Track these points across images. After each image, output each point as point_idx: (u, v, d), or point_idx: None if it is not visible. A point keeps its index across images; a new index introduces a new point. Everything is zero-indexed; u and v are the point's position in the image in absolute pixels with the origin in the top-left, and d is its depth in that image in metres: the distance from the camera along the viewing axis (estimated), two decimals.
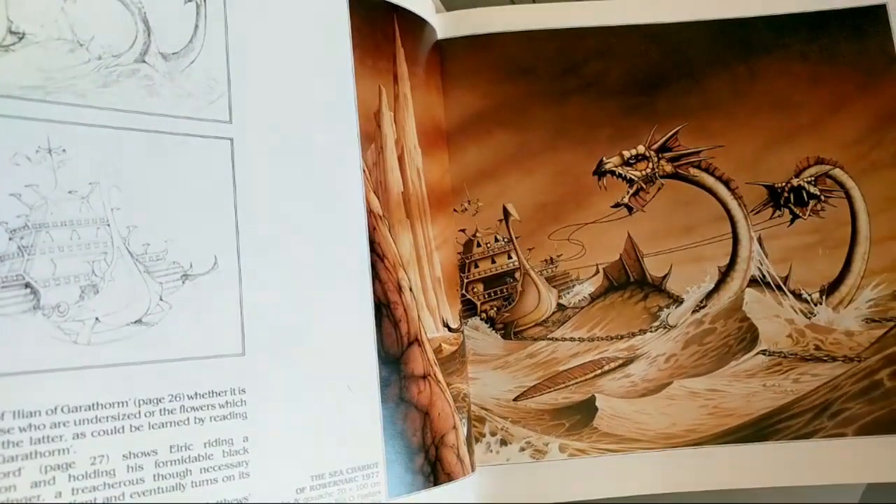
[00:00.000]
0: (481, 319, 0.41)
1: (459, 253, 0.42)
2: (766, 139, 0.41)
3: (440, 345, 0.38)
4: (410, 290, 0.37)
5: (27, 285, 0.26)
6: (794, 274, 0.40)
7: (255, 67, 0.33)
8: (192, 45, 0.31)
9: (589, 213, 0.41)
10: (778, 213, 0.41)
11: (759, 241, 0.41)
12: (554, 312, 0.41)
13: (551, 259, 0.41)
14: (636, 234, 0.41)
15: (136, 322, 0.28)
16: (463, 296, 0.41)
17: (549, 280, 0.41)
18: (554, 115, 0.41)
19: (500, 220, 0.42)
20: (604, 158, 0.41)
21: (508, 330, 0.41)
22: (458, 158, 0.41)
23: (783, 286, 0.40)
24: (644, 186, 0.41)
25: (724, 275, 0.41)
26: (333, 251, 0.34)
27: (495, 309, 0.42)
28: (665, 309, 0.41)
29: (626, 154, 0.41)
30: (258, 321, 0.31)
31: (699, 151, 0.41)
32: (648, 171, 0.41)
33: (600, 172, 0.41)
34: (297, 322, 0.32)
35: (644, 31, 0.42)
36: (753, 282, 0.41)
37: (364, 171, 0.36)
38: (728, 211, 0.41)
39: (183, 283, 0.29)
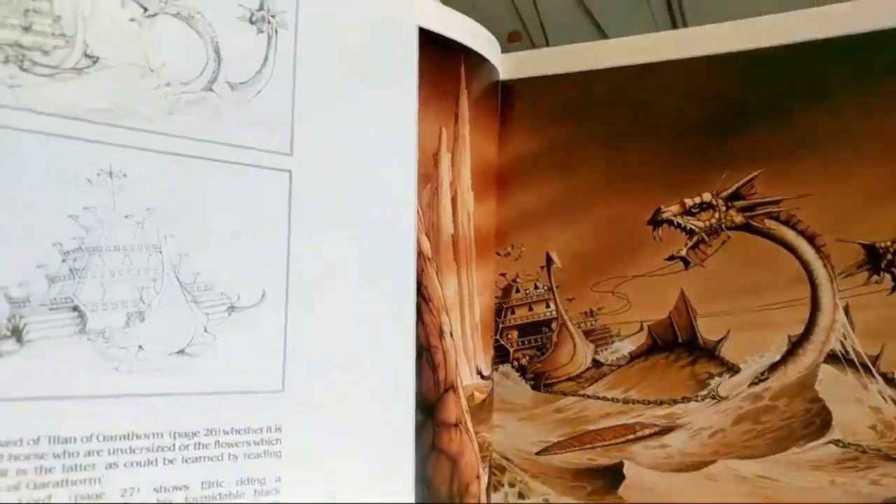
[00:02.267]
0: (512, 367, 0.41)
1: (497, 297, 0.41)
2: (871, 189, 0.35)
3: (472, 392, 0.38)
4: (451, 335, 0.37)
5: (75, 308, 0.26)
6: (889, 354, 0.34)
7: (321, 101, 0.33)
8: (260, 75, 0.32)
9: (639, 266, 0.38)
10: (876, 278, 0.35)
11: (846, 310, 0.35)
12: (588, 368, 0.40)
13: (591, 311, 0.40)
14: (691, 290, 0.37)
15: (178, 352, 0.28)
16: (496, 341, 0.41)
17: (586, 333, 0.40)
18: (610, 160, 0.39)
19: (542, 267, 0.41)
20: (662, 207, 0.38)
21: (539, 381, 0.41)
22: (505, 201, 0.41)
23: (871, 367, 0.35)
24: (706, 238, 0.38)
25: (795, 346, 0.36)
26: (381, 291, 0.34)
27: (528, 358, 0.41)
28: (716, 377, 0.37)
29: (689, 202, 0.38)
30: (300, 358, 0.31)
31: (779, 201, 0.37)
32: (713, 221, 0.37)
33: (656, 222, 0.38)
34: (338, 361, 0.32)
35: (717, 63, 0.38)
36: (832, 357, 0.35)
37: (418, 211, 0.36)
38: (809, 272, 0.36)
39: (229, 315, 0.29)
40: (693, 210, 0.38)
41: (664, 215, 0.38)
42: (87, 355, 0.26)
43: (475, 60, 0.40)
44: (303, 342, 0.31)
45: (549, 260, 0.41)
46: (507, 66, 0.42)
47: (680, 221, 0.38)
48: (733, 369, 0.37)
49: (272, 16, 0.32)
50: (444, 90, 0.38)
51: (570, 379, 0.40)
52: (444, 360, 0.36)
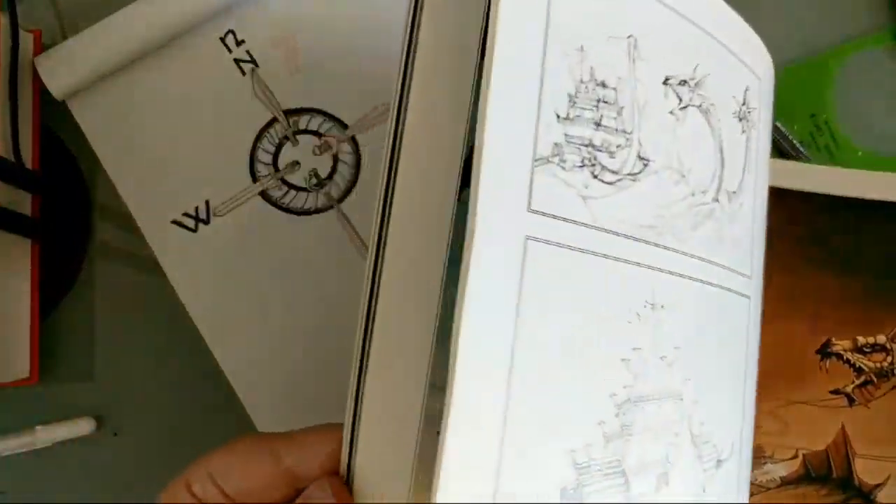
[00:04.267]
0: None
1: None
2: None
3: None
4: None
5: (623, 473, 0.22)
6: None
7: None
8: (744, 183, 0.27)
9: (802, 393, 0.37)
10: None
11: None
12: None
13: None
14: (852, 428, 0.37)
15: None
16: None
17: None
18: (787, 282, 0.38)
19: None
20: (833, 339, 0.38)
21: None
22: None
23: None
24: (875, 380, 0.37)
25: None
26: None
27: None
28: None
29: (861, 340, 0.38)
30: None
31: None
32: (885, 364, 0.37)
33: (825, 353, 0.38)
34: None
35: None
36: None
37: None
38: None
39: (717, 469, 0.25)
40: (865, 349, 0.38)
41: (834, 348, 0.38)
42: None
43: None
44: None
45: None
46: None
47: (849, 358, 0.38)
48: None
49: (749, 111, 0.28)
50: None
51: None
52: None
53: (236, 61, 0.40)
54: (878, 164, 0.42)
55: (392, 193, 0.22)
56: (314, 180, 0.40)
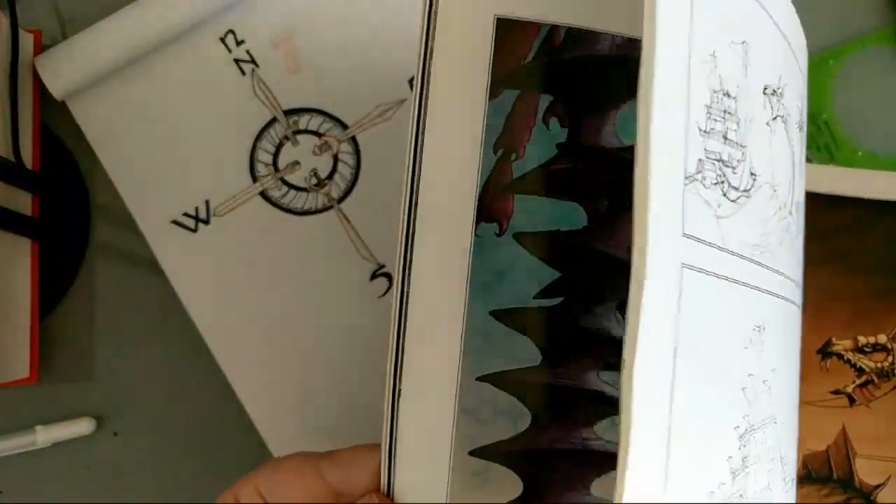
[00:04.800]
0: None
1: None
2: None
3: None
4: None
5: None
6: None
7: None
8: (803, 193, 0.26)
9: (802, 393, 0.39)
10: None
11: None
12: None
13: None
14: (853, 429, 0.36)
15: None
16: None
17: None
18: None
19: None
20: (833, 339, 0.38)
21: None
22: None
23: None
24: (875, 380, 0.37)
25: None
26: None
27: None
28: None
29: (862, 340, 0.37)
30: None
31: None
32: (885, 364, 0.37)
33: (826, 353, 0.38)
34: None
35: None
36: None
37: None
38: None
39: (792, 487, 0.25)
40: (865, 349, 0.37)
41: (835, 348, 0.37)
42: None
43: None
44: None
45: None
46: None
47: (850, 357, 0.37)
48: None
49: (803, 121, 0.26)
50: None
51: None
52: None
53: (236, 61, 0.38)
54: (878, 164, 0.42)
55: (413, 228, 0.23)
56: (314, 180, 0.39)
